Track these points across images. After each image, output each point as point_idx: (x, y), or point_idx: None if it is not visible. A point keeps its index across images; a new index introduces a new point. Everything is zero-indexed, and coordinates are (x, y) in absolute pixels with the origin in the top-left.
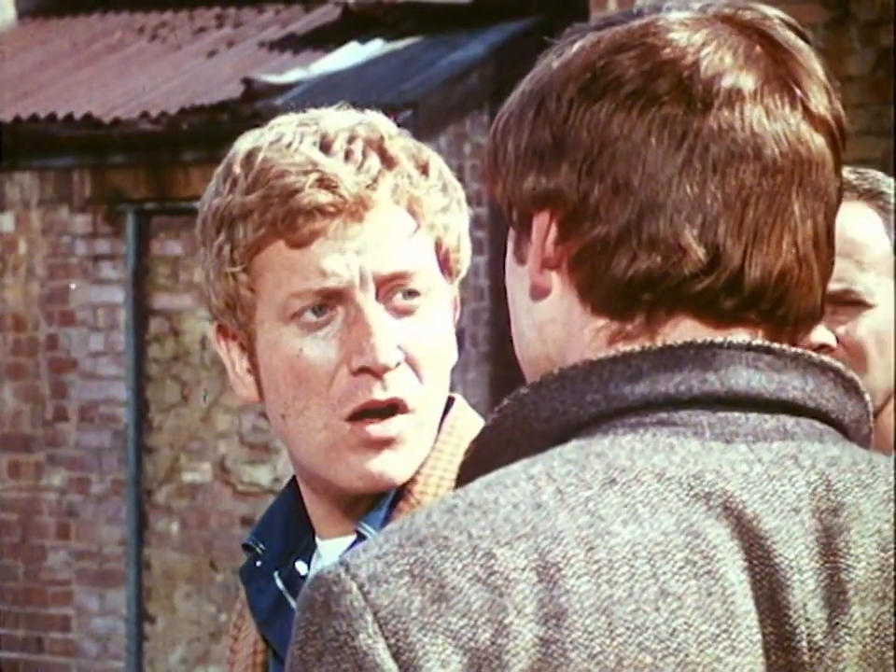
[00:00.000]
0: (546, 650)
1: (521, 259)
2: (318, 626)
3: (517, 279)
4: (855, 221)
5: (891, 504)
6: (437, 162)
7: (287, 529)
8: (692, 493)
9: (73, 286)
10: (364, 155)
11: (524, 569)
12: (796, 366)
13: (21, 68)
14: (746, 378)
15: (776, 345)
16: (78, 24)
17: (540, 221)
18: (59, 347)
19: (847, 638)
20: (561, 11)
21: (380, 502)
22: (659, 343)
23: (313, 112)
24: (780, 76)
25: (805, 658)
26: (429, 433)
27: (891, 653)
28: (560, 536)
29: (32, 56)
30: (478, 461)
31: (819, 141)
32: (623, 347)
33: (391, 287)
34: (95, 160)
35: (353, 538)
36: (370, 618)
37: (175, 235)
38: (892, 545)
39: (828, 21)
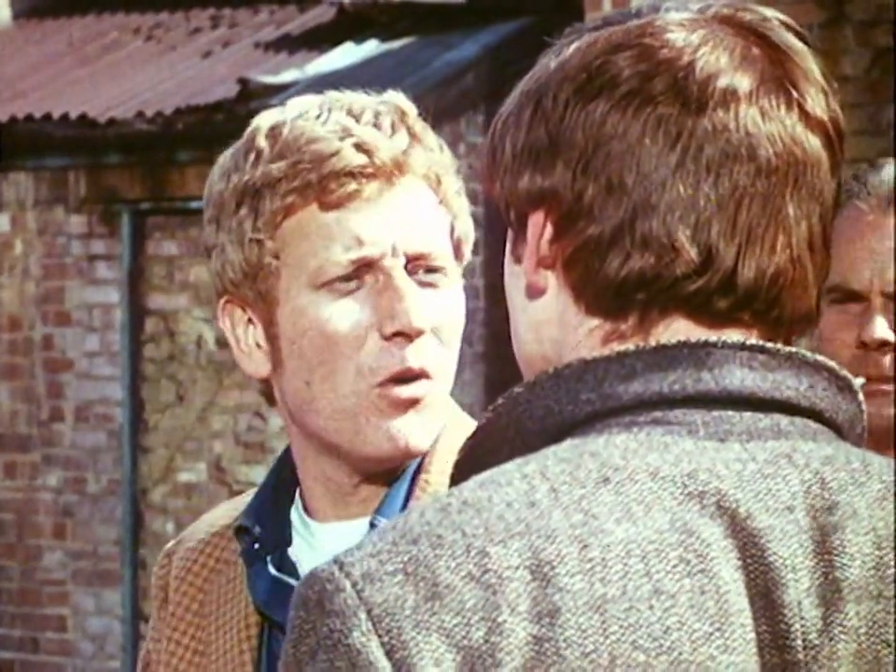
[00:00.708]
0: (539, 648)
1: (517, 259)
2: (312, 624)
3: (514, 278)
4: None
5: (885, 502)
6: (447, 148)
7: (277, 512)
8: (686, 491)
9: (68, 285)
10: (393, 127)
11: (517, 568)
12: (790, 365)
13: (17, 68)
14: (740, 377)
15: (769, 345)
16: (74, 25)
17: (536, 220)
18: (54, 347)
19: (842, 637)
20: (555, 12)
21: (392, 493)
22: (653, 343)
23: (330, 93)
24: (777, 77)
25: (800, 656)
26: (445, 405)
27: (886, 651)
28: (554, 534)
29: (27, 56)
30: (472, 459)
31: (814, 142)
32: (617, 347)
33: (417, 263)
34: (91, 160)
35: (353, 522)
36: (363, 616)
37: (171, 235)
38: (886, 543)
39: (823, 20)
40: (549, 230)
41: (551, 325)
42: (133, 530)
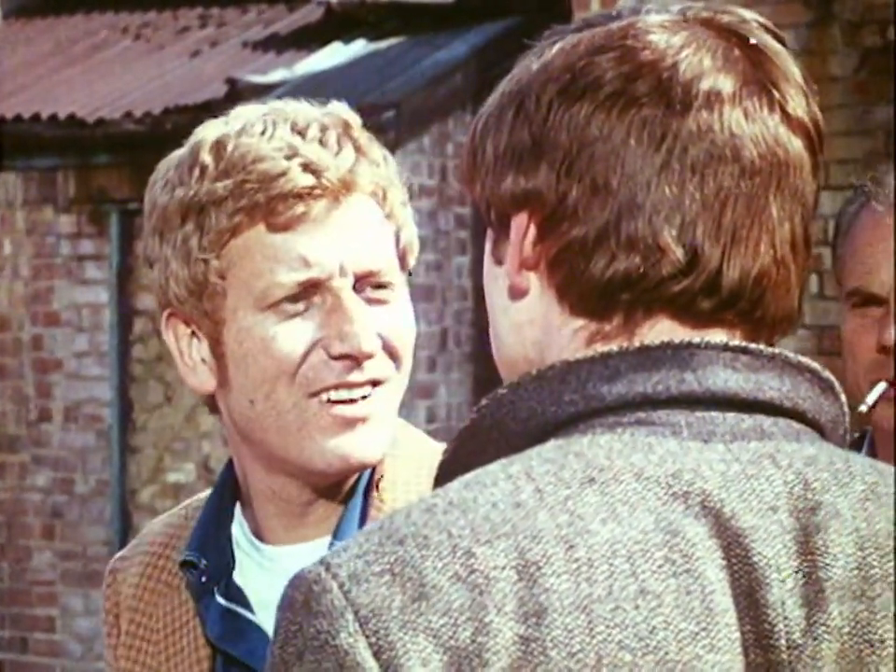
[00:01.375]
0: (526, 648)
1: (498, 260)
2: (299, 626)
3: (494, 280)
4: None
5: (868, 503)
6: (391, 157)
7: (220, 540)
8: (670, 492)
9: (56, 285)
10: (339, 143)
11: (503, 568)
12: (773, 366)
13: (5, 68)
14: (723, 378)
15: (753, 346)
16: (62, 24)
17: (519, 222)
18: (43, 347)
19: (826, 637)
20: (543, 12)
21: (347, 514)
22: (636, 344)
23: (275, 103)
24: (758, 79)
25: (784, 656)
26: (394, 417)
27: (869, 651)
28: (540, 534)
29: (16, 56)
30: (456, 460)
31: (796, 144)
32: (600, 348)
33: (365, 281)
34: (79, 160)
35: (310, 544)
36: (350, 617)
37: None
38: (869, 543)
39: (810, 21)
40: (532, 231)
41: (533, 326)
42: (121, 531)
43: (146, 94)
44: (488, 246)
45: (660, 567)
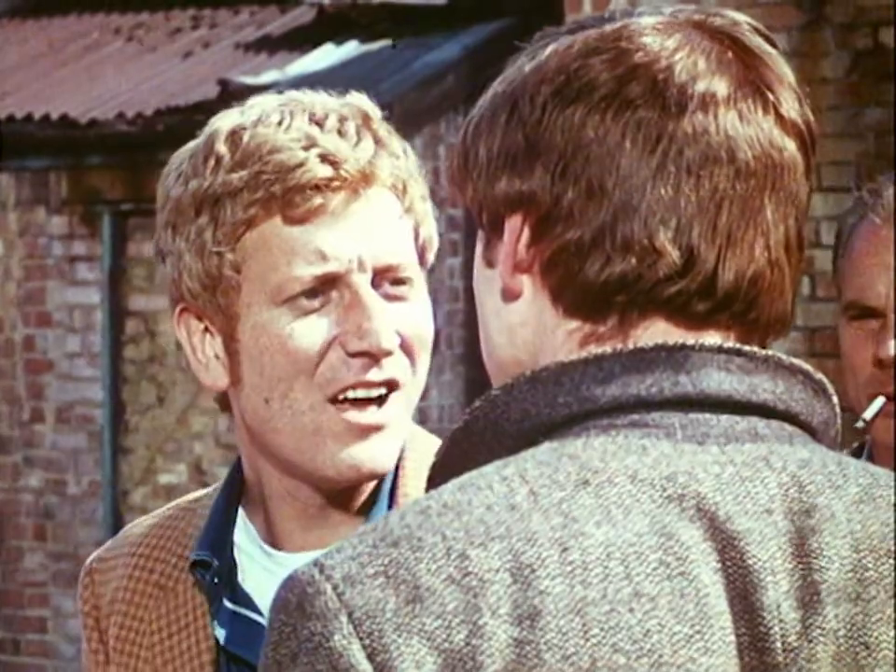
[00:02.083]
0: (520, 651)
1: (490, 262)
2: (293, 627)
3: (485, 282)
4: None
5: (862, 505)
6: (411, 150)
7: (226, 543)
8: (665, 494)
9: (49, 286)
10: (358, 134)
11: (498, 570)
12: (766, 368)
13: None
14: (717, 380)
15: (746, 348)
16: (54, 25)
17: (513, 224)
18: (35, 348)
19: (821, 639)
20: (536, 13)
21: (373, 520)
22: (630, 346)
23: (292, 93)
24: (752, 81)
25: (780, 659)
26: (409, 419)
27: (865, 653)
28: (534, 537)
29: (8, 57)
30: (449, 462)
31: (790, 146)
32: (594, 349)
33: (383, 276)
34: (72, 161)
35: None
36: (344, 619)
37: (152, 236)
38: (864, 546)
39: (803, 23)
40: (526, 233)
41: (525, 328)
42: (113, 532)
43: (138, 95)
44: (479, 249)
45: (654, 569)
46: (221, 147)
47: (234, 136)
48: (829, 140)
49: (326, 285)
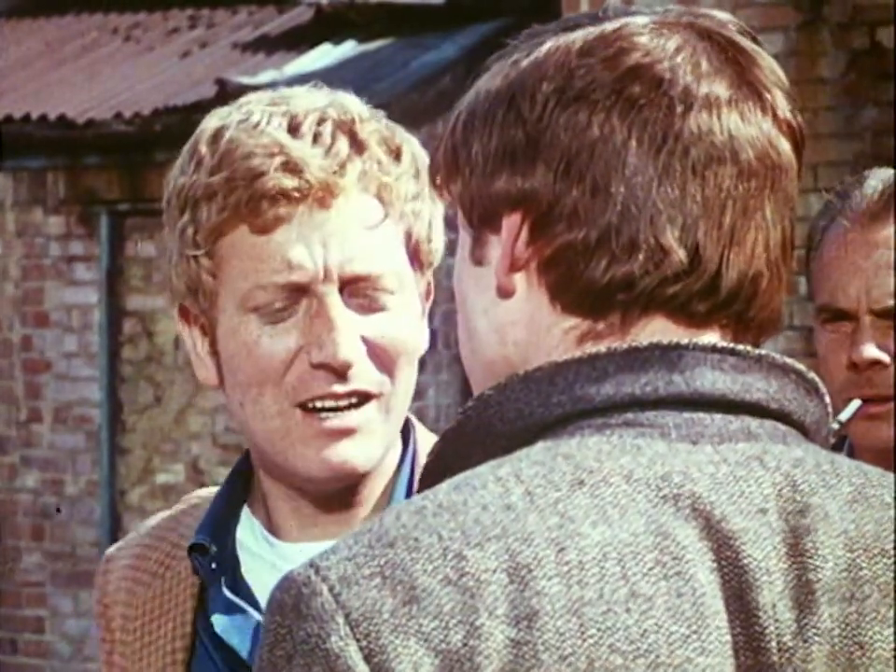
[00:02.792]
0: (518, 651)
1: (479, 260)
2: (288, 629)
3: (473, 280)
4: None
5: (856, 505)
6: (411, 147)
7: (229, 532)
8: (660, 494)
9: (47, 286)
10: (333, 138)
11: (494, 571)
12: (759, 367)
13: None
14: (711, 379)
15: (740, 347)
16: (52, 25)
17: (511, 222)
18: (33, 348)
19: (816, 639)
20: (533, 13)
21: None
22: (625, 345)
23: (285, 91)
24: (748, 82)
25: (775, 658)
26: (396, 423)
27: (859, 653)
28: (530, 537)
29: (5, 57)
30: (442, 463)
31: (786, 147)
32: (590, 348)
33: (358, 286)
34: (69, 161)
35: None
36: (341, 620)
37: (149, 236)
38: (858, 545)
39: (800, 23)
40: (525, 231)
41: (517, 326)
42: (110, 532)
43: (135, 95)
44: (466, 247)
45: (651, 569)
46: (203, 148)
47: (216, 137)
48: (826, 140)
49: (293, 294)
